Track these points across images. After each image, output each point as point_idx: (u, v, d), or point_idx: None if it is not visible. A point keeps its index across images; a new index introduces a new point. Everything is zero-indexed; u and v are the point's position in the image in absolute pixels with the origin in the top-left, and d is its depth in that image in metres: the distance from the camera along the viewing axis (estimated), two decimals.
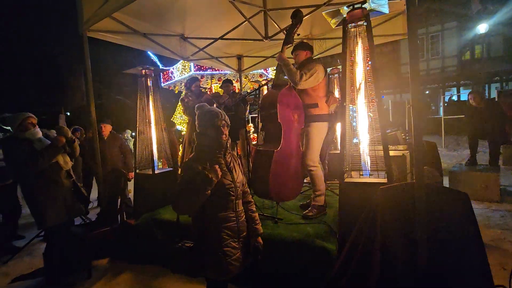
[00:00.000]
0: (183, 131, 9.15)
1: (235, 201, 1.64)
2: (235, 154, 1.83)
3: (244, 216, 1.71)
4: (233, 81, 4.91)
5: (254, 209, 1.81)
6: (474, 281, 1.30)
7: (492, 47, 16.42)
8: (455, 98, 17.01)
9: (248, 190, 1.83)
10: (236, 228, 1.62)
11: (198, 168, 1.52)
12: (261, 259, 1.76)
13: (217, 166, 1.52)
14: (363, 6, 2.25)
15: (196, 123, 1.68)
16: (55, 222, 2.51)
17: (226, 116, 1.68)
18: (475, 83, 16.10)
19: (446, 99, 16.46)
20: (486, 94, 15.51)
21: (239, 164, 1.77)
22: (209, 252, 1.57)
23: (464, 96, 16.14)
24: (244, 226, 1.69)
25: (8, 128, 2.85)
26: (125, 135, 11.41)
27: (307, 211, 2.76)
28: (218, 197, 1.58)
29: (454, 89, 17.70)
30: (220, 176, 1.53)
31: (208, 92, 5.16)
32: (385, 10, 2.36)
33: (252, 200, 1.83)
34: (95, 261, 3.06)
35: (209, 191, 1.50)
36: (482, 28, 11.92)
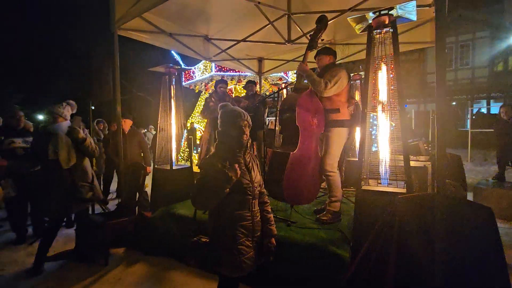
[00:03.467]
0: (198, 130, 9.32)
1: (251, 200, 1.65)
2: (254, 154, 1.84)
3: (259, 216, 1.72)
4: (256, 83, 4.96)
5: (270, 210, 1.82)
6: None
7: None
8: (484, 110, 16.16)
9: (265, 191, 1.85)
10: (251, 227, 1.64)
11: (218, 166, 1.54)
12: (272, 260, 1.77)
13: (236, 165, 1.54)
14: (389, 12, 2.21)
15: (218, 121, 1.72)
16: (44, 216, 2.68)
17: (249, 116, 1.70)
18: (507, 96, 15.22)
19: (474, 111, 15.68)
20: None
21: (257, 165, 1.78)
22: (224, 248, 1.60)
23: (494, 109, 15.29)
24: (258, 226, 1.70)
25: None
26: (143, 131, 11.78)
27: (321, 215, 2.74)
28: (235, 196, 1.60)
29: (484, 102, 16.81)
30: (239, 175, 1.54)
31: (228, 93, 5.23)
32: (413, 17, 2.30)
33: (268, 201, 1.84)
34: (112, 249, 3.19)
35: (228, 189, 1.52)
36: None
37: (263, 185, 1.84)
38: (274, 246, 1.74)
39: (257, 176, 1.72)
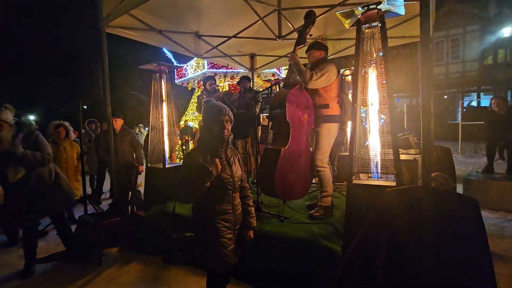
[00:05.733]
0: (194, 128, 9.28)
1: (232, 194, 1.69)
2: (236, 149, 1.88)
3: (240, 209, 1.76)
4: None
5: (251, 203, 1.86)
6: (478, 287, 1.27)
7: None
8: (474, 103, 16.41)
9: (247, 185, 1.87)
10: (232, 220, 1.68)
11: (199, 160, 1.57)
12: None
13: (217, 160, 1.58)
14: (378, 7, 2.22)
15: (201, 117, 1.75)
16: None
17: (230, 112, 1.73)
18: (497, 89, 15.47)
19: (465, 104, 15.91)
20: (509, 100, 14.87)
21: (239, 160, 1.81)
22: (207, 242, 1.64)
23: (484, 102, 15.56)
24: (239, 219, 1.74)
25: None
26: (137, 130, 11.69)
27: (313, 211, 2.76)
28: (216, 190, 1.63)
29: (474, 95, 17.07)
30: (219, 170, 1.58)
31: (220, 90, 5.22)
32: (401, 11, 2.32)
33: (250, 195, 1.87)
34: (105, 249, 3.17)
35: (208, 183, 1.55)
36: (506, 32, 11.43)
37: (246, 180, 1.87)
38: (251, 238, 1.78)
39: (238, 170, 1.75)
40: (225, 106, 1.73)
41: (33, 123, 3.03)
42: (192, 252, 1.69)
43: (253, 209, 1.85)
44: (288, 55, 2.65)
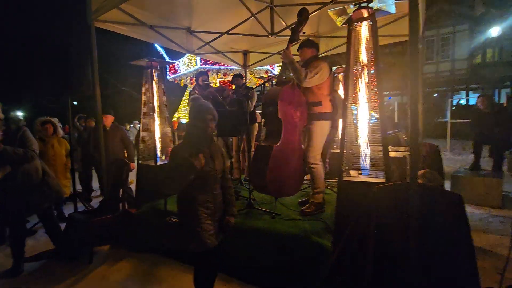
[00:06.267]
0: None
1: (213, 185, 1.85)
2: (219, 144, 2.09)
3: (220, 198, 1.92)
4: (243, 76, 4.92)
5: (232, 193, 2.03)
6: (462, 281, 1.32)
7: (504, 51, 16.09)
8: (463, 102, 16.76)
9: (229, 176, 2.05)
10: (213, 208, 1.83)
11: (184, 155, 1.69)
12: (257, 252, 1.99)
13: (201, 155, 1.71)
14: (369, 5, 2.24)
15: (188, 113, 1.89)
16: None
17: (215, 111, 1.86)
18: (485, 88, 15.83)
19: (454, 102, 16.24)
20: (496, 99, 15.25)
21: (221, 154, 1.96)
22: (188, 227, 1.80)
23: (472, 101, 15.89)
24: (219, 208, 1.90)
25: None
26: (128, 126, 11.52)
27: (305, 207, 2.79)
28: (199, 181, 1.77)
29: (463, 93, 17.43)
30: (203, 164, 1.71)
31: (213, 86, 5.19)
32: (392, 10, 2.34)
33: (231, 186, 2.04)
34: (96, 247, 3.14)
35: (192, 176, 1.69)
36: (494, 31, 11.67)
37: (228, 172, 2.04)
38: (231, 224, 1.95)
39: (220, 164, 1.90)
40: (210, 105, 1.87)
41: (22, 119, 2.95)
42: (176, 236, 1.85)
43: (234, 198, 2.03)
44: (281, 52, 2.65)
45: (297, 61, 2.67)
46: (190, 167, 1.65)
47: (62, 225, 3.22)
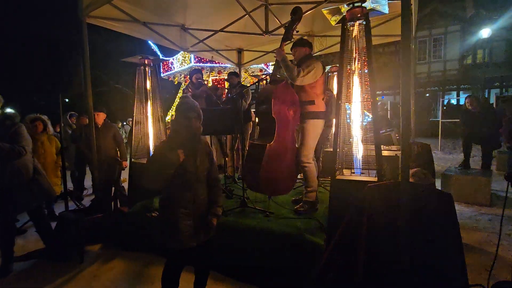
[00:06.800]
0: None
1: (194, 185, 1.80)
2: (207, 143, 2.01)
3: (203, 198, 1.86)
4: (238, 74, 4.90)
5: (219, 193, 1.98)
6: (450, 277, 1.34)
7: (494, 53, 16.40)
8: (454, 101, 17.06)
9: (216, 177, 1.98)
10: (192, 208, 1.79)
11: (164, 150, 1.72)
12: (250, 249, 1.92)
13: (180, 151, 1.70)
14: (363, 5, 2.26)
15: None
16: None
17: (199, 109, 1.86)
18: (475, 88, 16.13)
19: (446, 102, 16.51)
20: (489, 99, 15.54)
21: (208, 153, 1.93)
22: (166, 224, 1.79)
23: (463, 101, 16.18)
24: (200, 208, 1.84)
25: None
26: (119, 124, 11.38)
27: (298, 206, 2.80)
28: (179, 179, 1.75)
29: (454, 93, 17.73)
30: (181, 160, 1.71)
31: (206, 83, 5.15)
32: (385, 10, 2.36)
33: (219, 186, 1.99)
34: (87, 246, 3.10)
35: (171, 172, 1.68)
36: (485, 33, 11.89)
37: (215, 172, 1.97)
38: (213, 225, 1.87)
39: (204, 163, 1.86)
40: (195, 103, 1.86)
41: (18, 115, 2.90)
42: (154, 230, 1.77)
43: (220, 199, 1.96)
44: (275, 50, 2.65)
45: (291, 60, 2.68)
46: (168, 162, 1.66)
47: (53, 224, 3.17)
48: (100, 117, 4.10)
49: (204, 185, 1.87)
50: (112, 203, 3.39)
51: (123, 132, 10.15)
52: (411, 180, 2.44)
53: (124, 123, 12.00)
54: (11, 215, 2.80)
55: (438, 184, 4.37)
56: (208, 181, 1.91)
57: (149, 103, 3.59)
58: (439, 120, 10.60)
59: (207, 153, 1.93)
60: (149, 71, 3.63)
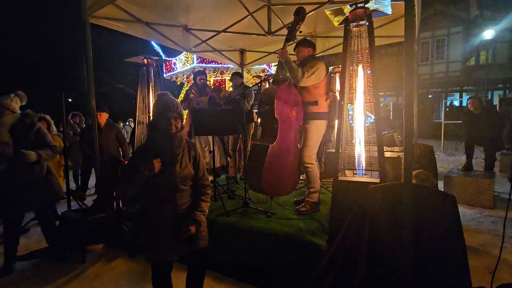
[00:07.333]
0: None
1: (173, 195, 1.61)
2: (194, 144, 1.80)
3: (185, 208, 1.67)
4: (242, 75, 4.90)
5: (206, 199, 1.77)
6: (453, 280, 1.34)
7: (497, 54, 16.32)
8: (456, 103, 16.98)
9: (205, 183, 1.78)
10: (171, 220, 1.60)
11: (136, 159, 1.56)
12: (248, 250, 1.81)
13: (156, 161, 1.51)
14: (366, 5, 2.25)
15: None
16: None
17: (181, 107, 1.65)
18: (478, 89, 16.06)
19: (448, 103, 16.43)
20: (492, 101, 15.45)
21: (193, 157, 1.72)
22: (144, 237, 1.64)
23: (465, 102, 16.09)
24: (180, 220, 1.63)
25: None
26: (122, 125, 11.42)
27: (300, 206, 2.80)
28: (157, 188, 1.59)
29: (457, 94, 17.65)
30: (156, 170, 1.51)
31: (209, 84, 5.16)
32: (388, 11, 2.36)
33: (207, 192, 1.79)
34: (90, 246, 3.11)
35: (141, 182, 1.52)
36: (488, 34, 11.82)
37: (203, 177, 1.78)
38: (192, 232, 1.61)
39: (187, 168, 1.66)
40: (175, 101, 1.66)
41: (37, 115, 2.93)
42: (131, 241, 1.69)
43: (206, 204, 1.75)
44: (278, 51, 2.65)
45: (294, 61, 2.68)
46: (139, 173, 1.48)
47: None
48: (103, 117, 4.12)
49: (187, 193, 1.68)
50: (114, 202, 3.39)
51: (124, 132, 10.18)
52: (413, 181, 2.43)
53: (126, 124, 12.03)
54: (20, 214, 2.81)
55: (440, 186, 4.35)
56: (195, 188, 1.73)
57: (151, 103, 3.60)
58: (441, 122, 10.56)
59: (192, 157, 1.71)
60: (152, 71, 3.64)
